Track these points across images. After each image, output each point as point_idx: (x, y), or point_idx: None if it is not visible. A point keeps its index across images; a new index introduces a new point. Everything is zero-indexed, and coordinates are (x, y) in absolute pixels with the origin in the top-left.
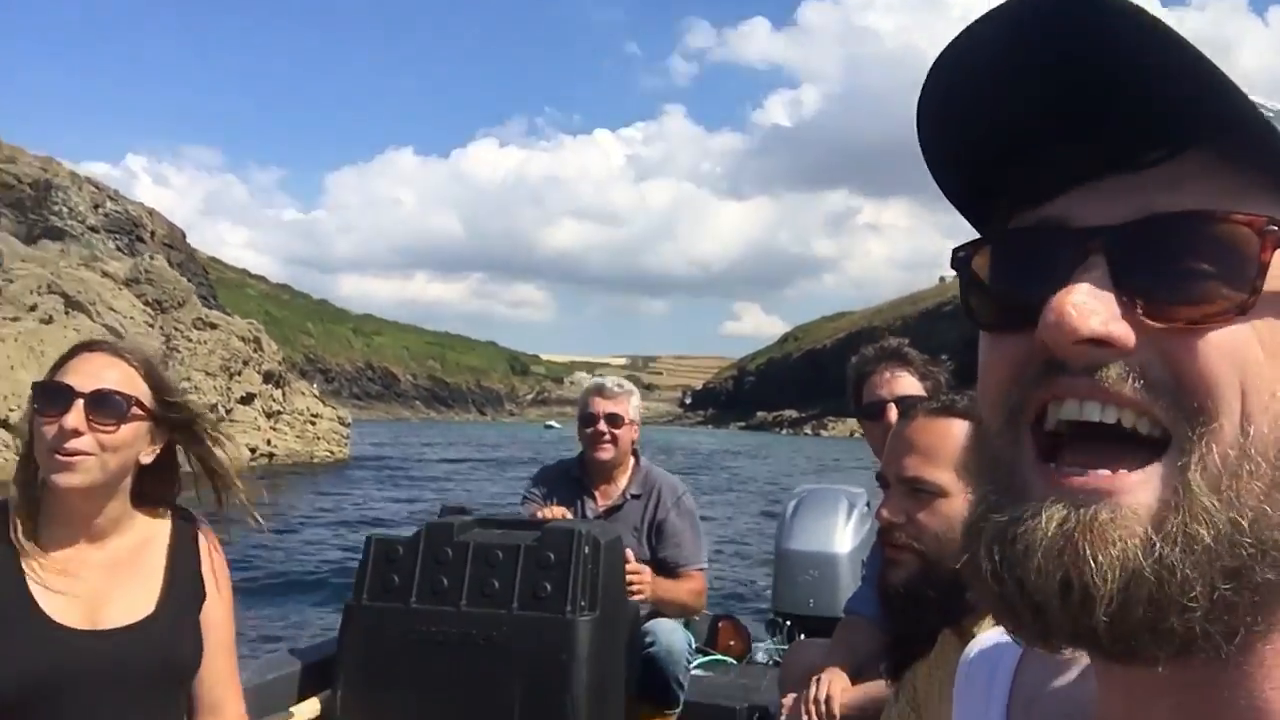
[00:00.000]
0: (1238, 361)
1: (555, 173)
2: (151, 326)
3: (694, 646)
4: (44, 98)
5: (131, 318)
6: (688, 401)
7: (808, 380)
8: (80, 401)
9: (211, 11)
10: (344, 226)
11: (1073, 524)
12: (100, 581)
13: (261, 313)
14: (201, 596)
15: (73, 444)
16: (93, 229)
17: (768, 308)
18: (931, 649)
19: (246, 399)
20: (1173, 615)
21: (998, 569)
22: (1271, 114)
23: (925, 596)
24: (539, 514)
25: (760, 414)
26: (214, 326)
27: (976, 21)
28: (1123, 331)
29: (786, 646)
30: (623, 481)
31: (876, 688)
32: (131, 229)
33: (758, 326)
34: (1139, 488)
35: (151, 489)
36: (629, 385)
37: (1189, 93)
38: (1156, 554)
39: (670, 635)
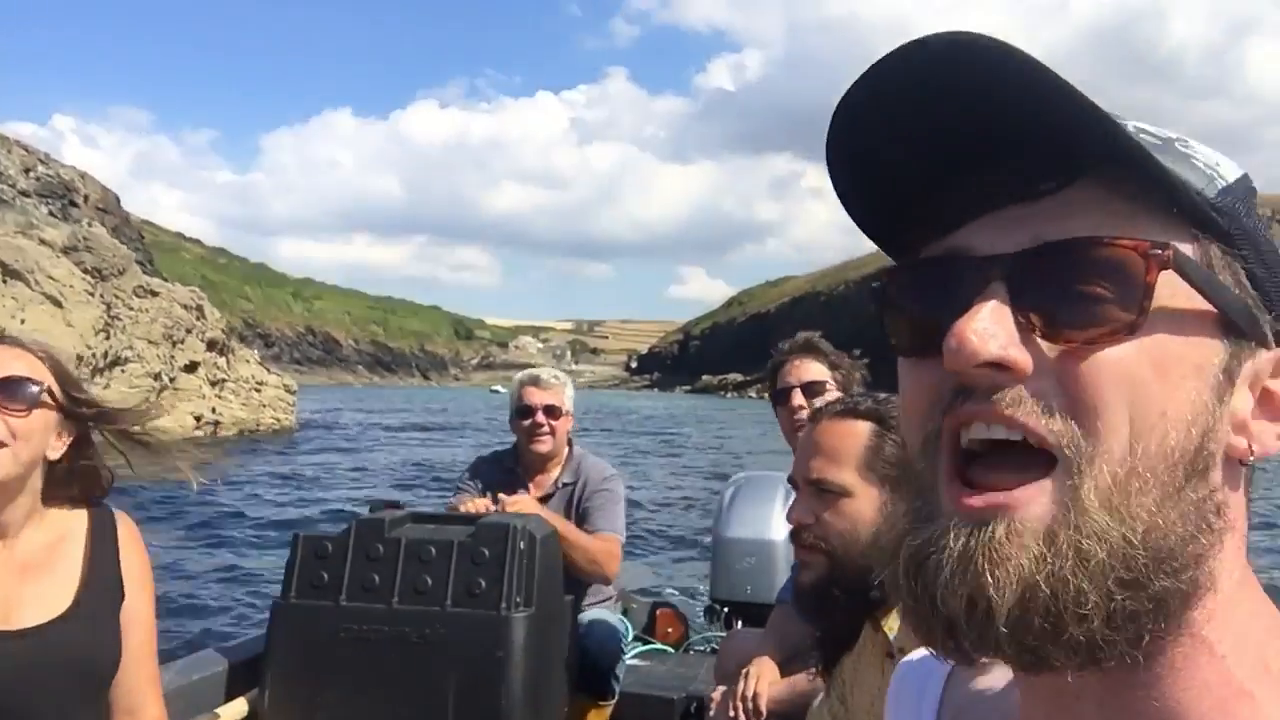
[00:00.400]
0: (1127, 380)
1: (497, 135)
2: (91, 295)
3: (631, 635)
4: None
5: (71, 286)
6: (633, 365)
7: (752, 344)
8: None
9: None
10: (281, 188)
11: (973, 543)
12: (10, 581)
13: (198, 277)
14: (120, 594)
15: None
16: (24, 193)
17: (712, 272)
18: (855, 643)
19: (190, 367)
20: (1070, 625)
21: (913, 588)
22: (1159, 141)
23: (833, 596)
24: (461, 506)
25: (705, 378)
26: (155, 294)
27: (878, 64)
28: (1020, 355)
29: (724, 634)
30: (556, 470)
31: (803, 680)
32: (64, 193)
33: (703, 290)
34: (1032, 503)
35: (69, 487)
36: (563, 376)
37: (1073, 129)
38: (1049, 568)
39: (606, 626)
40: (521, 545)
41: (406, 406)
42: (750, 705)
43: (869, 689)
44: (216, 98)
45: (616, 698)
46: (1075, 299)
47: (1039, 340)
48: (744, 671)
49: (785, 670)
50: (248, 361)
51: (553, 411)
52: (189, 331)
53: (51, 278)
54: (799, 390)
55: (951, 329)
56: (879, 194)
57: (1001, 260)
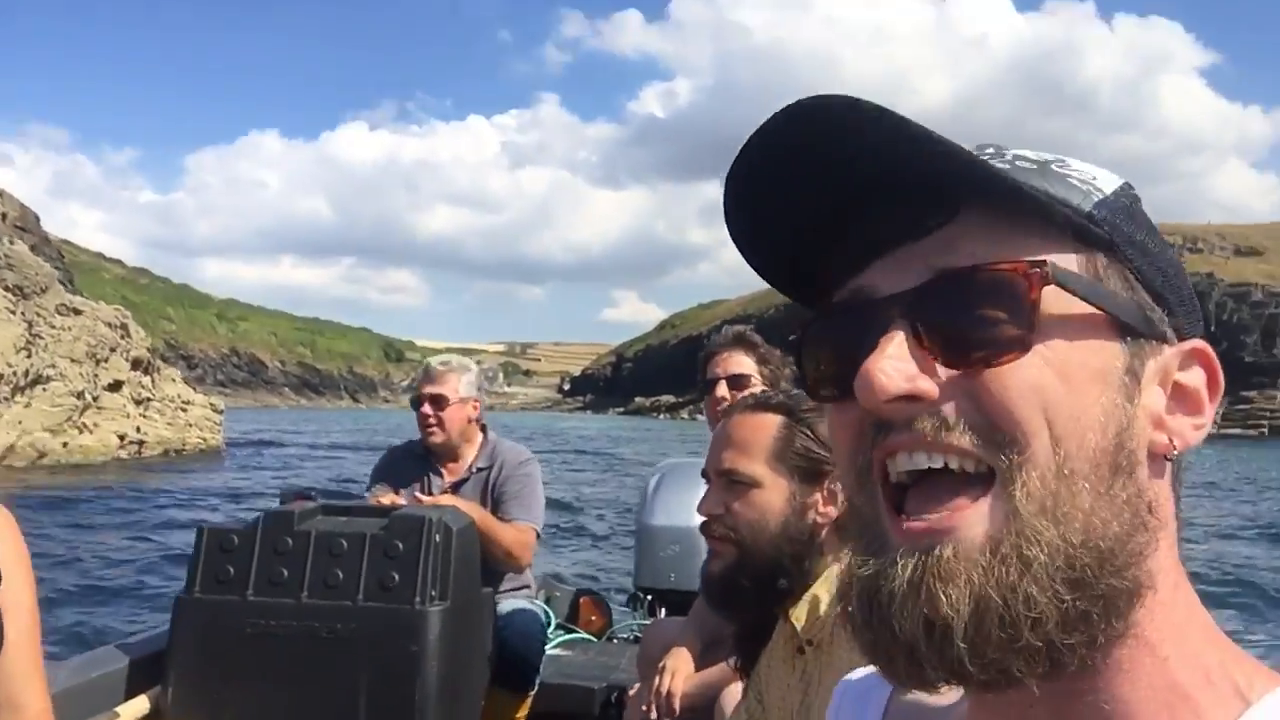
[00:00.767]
0: (1037, 392)
1: (428, 158)
2: (13, 313)
3: (553, 624)
4: None
5: None
6: (566, 388)
7: (685, 366)
8: None
9: None
10: (206, 209)
11: (923, 568)
12: None
13: (119, 297)
14: None
15: None
16: None
17: (645, 295)
18: (768, 640)
19: (114, 386)
20: (1026, 630)
21: (870, 620)
22: (1035, 165)
23: (740, 586)
24: (377, 500)
25: (638, 399)
26: (79, 312)
27: (759, 131)
28: (928, 385)
29: (647, 621)
30: (470, 456)
31: (717, 671)
32: None
33: (635, 313)
34: (974, 521)
35: None
36: (459, 361)
37: (943, 171)
38: (997, 577)
39: (525, 616)
40: (437, 537)
41: (336, 427)
42: (664, 703)
43: (781, 684)
44: (139, 116)
45: (537, 689)
46: (971, 324)
47: (944, 368)
48: (660, 666)
49: (705, 658)
50: (173, 380)
51: (438, 402)
52: (113, 350)
53: None
54: (724, 382)
55: (860, 370)
56: (778, 250)
57: (900, 298)
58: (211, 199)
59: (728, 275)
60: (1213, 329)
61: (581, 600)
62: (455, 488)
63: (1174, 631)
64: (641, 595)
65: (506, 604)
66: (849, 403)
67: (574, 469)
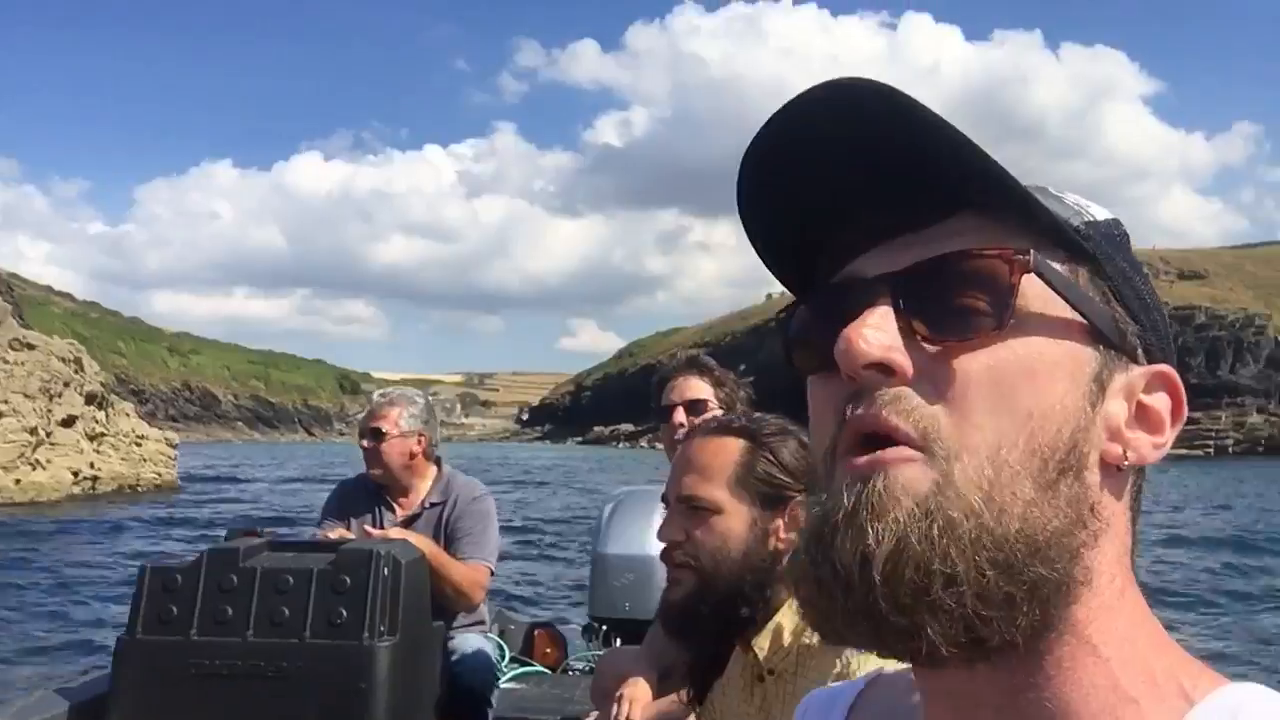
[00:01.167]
0: (996, 379)
1: (383, 188)
2: None
3: (507, 657)
4: None
5: None
6: (524, 418)
7: (644, 394)
8: None
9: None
10: (156, 240)
11: (857, 498)
12: None
13: (69, 331)
14: None
15: None
16: None
17: (603, 324)
18: (724, 669)
19: (68, 421)
20: (938, 585)
21: (816, 557)
22: (1030, 185)
23: (700, 614)
24: (324, 535)
25: (597, 428)
26: (32, 347)
27: (777, 114)
28: (902, 358)
29: (602, 652)
30: (423, 489)
31: (669, 702)
32: None
33: (594, 342)
34: (908, 464)
35: None
36: (404, 394)
37: (955, 167)
38: (921, 526)
39: (477, 651)
40: (385, 571)
41: (290, 459)
42: None
43: (737, 713)
44: (88, 147)
45: None
46: (952, 306)
47: (922, 345)
48: (617, 695)
49: (661, 687)
50: (127, 415)
51: (377, 436)
52: (66, 385)
53: None
54: (681, 408)
55: (841, 334)
56: (785, 234)
57: (888, 278)
58: (162, 230)
59: (685, 304)
60: None
61: (537, 633)
62: (408, 523)
63: (1118, 635)
64: (597, 625)
65: (459, 638)
66: (828, 376)
67: (529, 501)
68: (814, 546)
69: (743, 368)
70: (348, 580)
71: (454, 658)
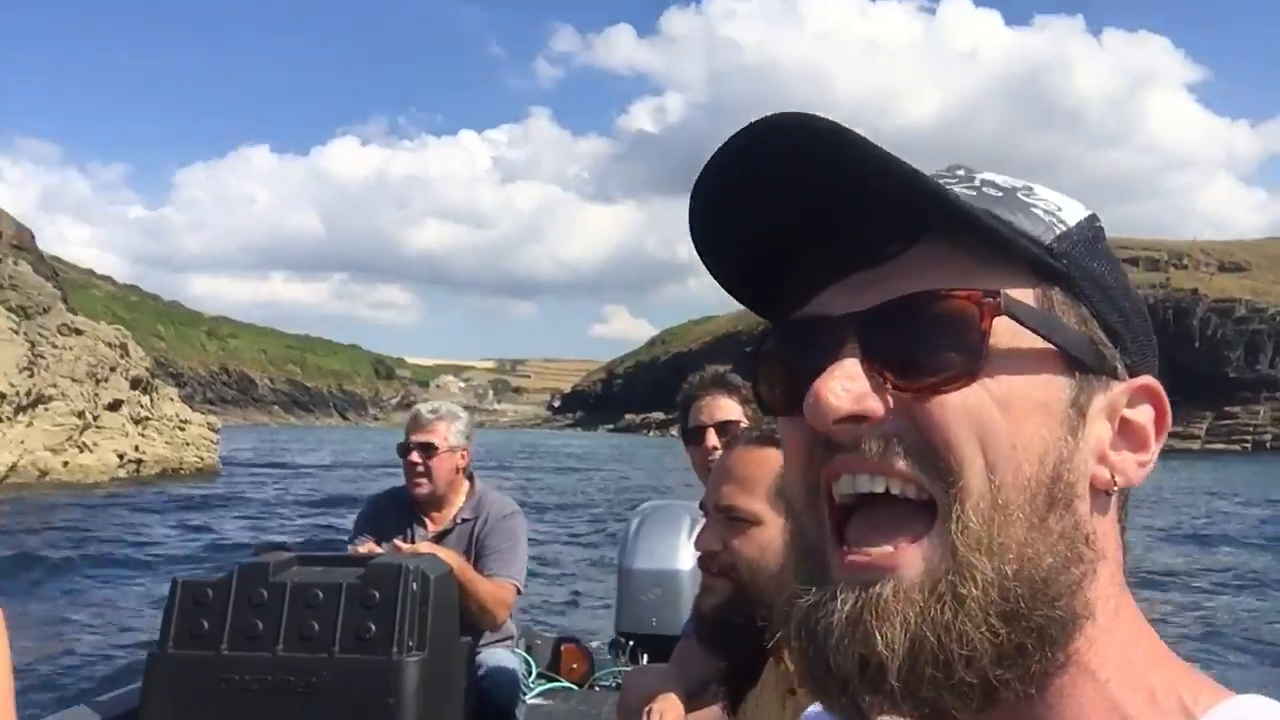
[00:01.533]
0: (976, 419)
1: (419, 173)
2: (16, 333)
3: (534, 673)
4: None
5: None
6: (556, 405)
7: (675, 383)
8: None
9: None
10: (195, 224)
11: (861, 605)
12: None
13: (109, 315)
14: None
15: None
16: None
17: (635, 311)
18: (758, 680)
19: (114, 405)
20: (959, 668)
21: (806, 650)
22: (1001, 193)
23: (733, 624)
24: (356, 549)
25: (629, 416)
26: (79, 332)
27: (723, 148)
28: (875, 406)
29: (629, 667)
30: (456, 504)
31: (707, 715)
32: None
33: (626, 330)
34: (914, 559)
35: None
36: (448, 409)
37: (904, 199)
38: (932, 616)
39: (503, 665)
40: (414, 586)
41: (328, 444)
42: None
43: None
44: (129, 131)
45: None
46: (921, 349)
47: (892, 391)
48: (647, 709)
49: (690, 704)
50: (171, 400)
51: (428, 451)
52: (113, 369)
53: None
54: (713, 430)
55: (810, 389)
56: (741, 268)
57: (853, 319)
58: (201, 214)
59: (717, 291)
60: (1197, 345)
61: (564, 648)
62: (439, 538)
63: (1115, 656)
64: (623, 640)
65: (486, 653)
66: (800, 418)
67: (558, 491)
68: (806, 639)
69: (748, 350)
70: (377, 595)
71: (481, 672)
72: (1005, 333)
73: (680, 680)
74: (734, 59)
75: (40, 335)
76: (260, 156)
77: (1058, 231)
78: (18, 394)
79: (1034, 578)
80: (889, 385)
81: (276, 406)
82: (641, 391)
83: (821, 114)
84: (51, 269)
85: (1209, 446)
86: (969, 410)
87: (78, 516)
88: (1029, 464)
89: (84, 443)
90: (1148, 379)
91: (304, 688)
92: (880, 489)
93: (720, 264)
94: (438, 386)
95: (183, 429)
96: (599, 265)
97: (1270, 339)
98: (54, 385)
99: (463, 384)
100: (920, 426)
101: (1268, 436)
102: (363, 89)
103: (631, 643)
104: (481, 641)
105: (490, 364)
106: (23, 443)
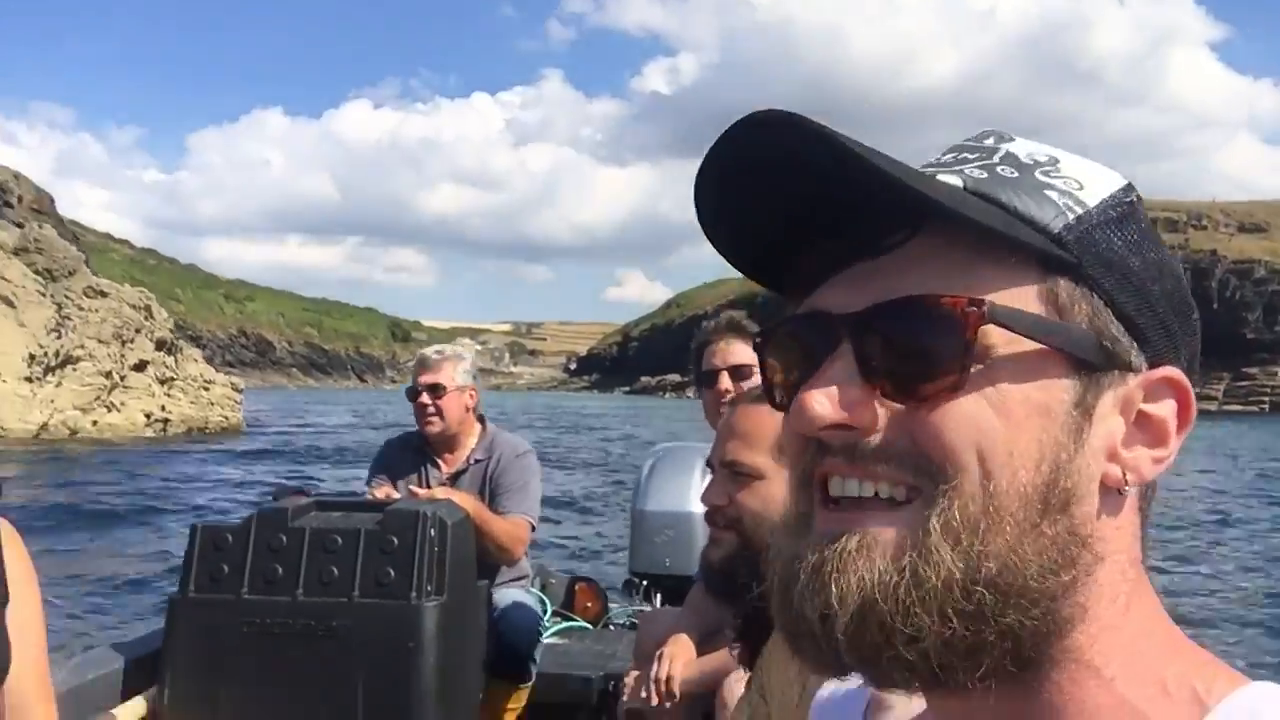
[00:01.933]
0: (971, 427)
1: (432, 136)
2: (43, 295)
3: (549, 612)
4: None
5: (23, 287)
6: (572, 367)
7: (689, 346)
8: None
9: None
10: (210, 188)
11: (827, 555)
12: None
13: (127, 278)
14: (5, 598)
15: None
16: None
17: (650, 274)
18: (772, 629)
19: (140, 366)
20: (899, 643)
21: (782, 602)
22: (1016, 174)
23: (739, 575)
24: (372, 494)
25: (644, 379)
26: (105, 294)
27: (719, 143)
28: (865, 414)
29: (644, 607)
30: (469, 446)
31: (718, 659)
32: None
33: (641, 292)
34: (884, 525)
35: None
36: (454, 350)
37: (901, 197)
38: (888, 585)
39: (521, 607)
40: (432, 532)
41: (347, 405)
42: (664, 688)
43: (782, 677)
44: (142, 94)
45: (534, 679)
46: (912, 356)
47: (882, 398)
48: (659, 653)
49: (702, 648)
50: (195, 361)
51: (436, 391)
52: (138, 331)
53: (4, 278)
54: (726, 373)
55: (799, 395)
56: (747, 253)
57: (847, 320)
58: (216, 178)
59: None
60: (1215, 306)
61: (577, 587)
62: (453, 479)
63: (1123, 651)
64: (637, 581)
65: (501, 593)
66: None
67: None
68: (781, 589)
69: (756, 339)
70: (395, 541)
71: (497, 613)
72: (1000, 337)
73: (694, 624)
74: (747, 18)
75: (67, 298)
76: (274, 119)
77: (1071, 217)
78: (46, 355)
79: (1011, 584)
80: (880, 393)
81: (295, 369)
82: (657, 354)
83: (811, 116)
84: (72, 233)
85: (1226, 408)
86: (964, 418)
87: (106, 471)
88: (1025, 470)
89: (112, 402)
90: (1169, 370)
91: (324, 631)
92: (870, 494)
93: (734, 254)
94: None
95: (207, 389)
96: (613, 228)
97: None
98: (81, 346)
99: (479, 347)
100: (913, 436)
101: None
102: (375, 51)
103: (645, 583)
104: (497, 580)
105: (506, 327)
106: (53, 402)
